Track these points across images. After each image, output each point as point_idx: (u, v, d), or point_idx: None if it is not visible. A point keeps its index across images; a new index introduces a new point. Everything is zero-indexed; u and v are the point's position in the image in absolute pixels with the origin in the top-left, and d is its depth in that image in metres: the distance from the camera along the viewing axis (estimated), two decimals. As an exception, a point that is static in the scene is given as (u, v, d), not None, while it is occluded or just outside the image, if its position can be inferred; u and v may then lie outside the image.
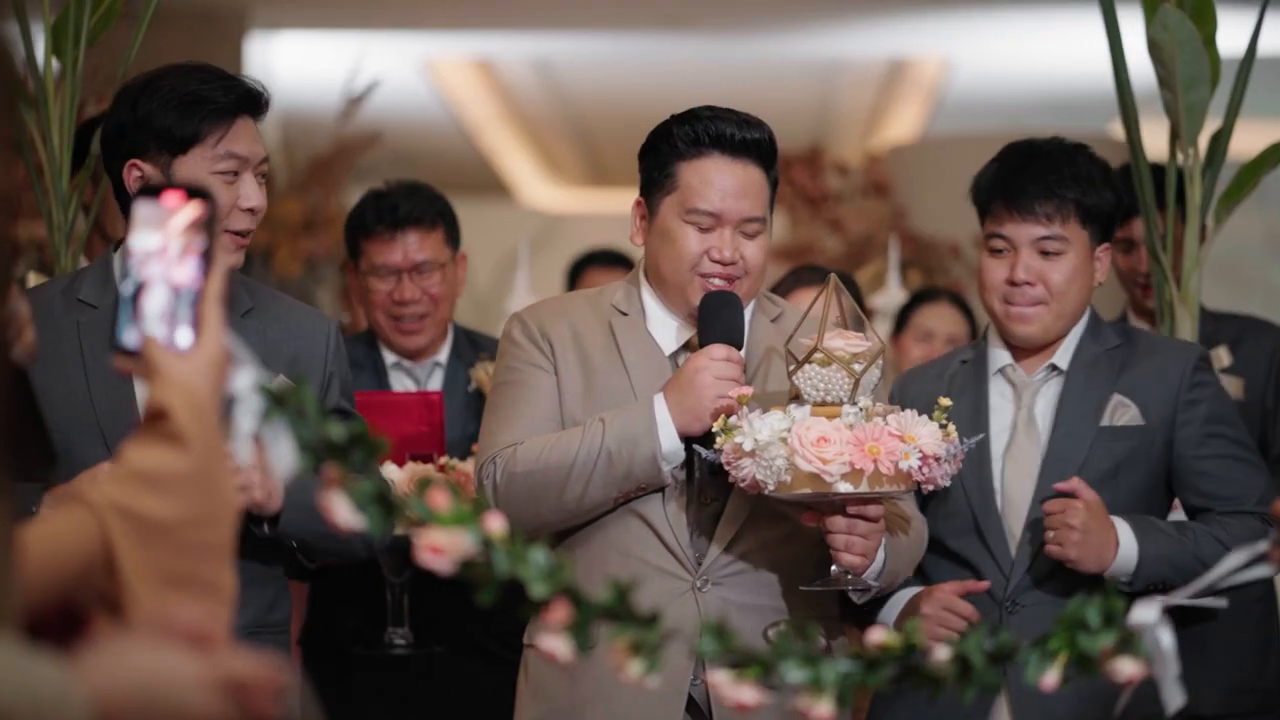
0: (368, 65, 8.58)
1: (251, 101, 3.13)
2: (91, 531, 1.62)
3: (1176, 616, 3.79)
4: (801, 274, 4.48)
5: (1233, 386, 4.04)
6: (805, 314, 3.12)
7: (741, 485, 2.95)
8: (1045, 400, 3.37)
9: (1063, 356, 3.38)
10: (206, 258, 1.72)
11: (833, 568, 3.02)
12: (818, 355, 2.95)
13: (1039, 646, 1.70)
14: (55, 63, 3.71)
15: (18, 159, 3.71)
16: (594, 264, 6.29)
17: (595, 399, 3.14)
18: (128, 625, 1.50)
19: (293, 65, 10.10)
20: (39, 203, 3.76)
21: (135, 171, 3.09)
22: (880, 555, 3.05)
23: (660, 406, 3.05)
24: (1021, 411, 3.36)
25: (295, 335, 3.21)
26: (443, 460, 3.78)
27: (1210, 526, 3.31)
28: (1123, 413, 3.34)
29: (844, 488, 2.88)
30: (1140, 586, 3.26)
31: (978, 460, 3.32)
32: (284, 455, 1.67)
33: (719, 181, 3.12)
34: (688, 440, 3.05)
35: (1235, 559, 1.76)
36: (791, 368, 2.99)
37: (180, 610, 1.49)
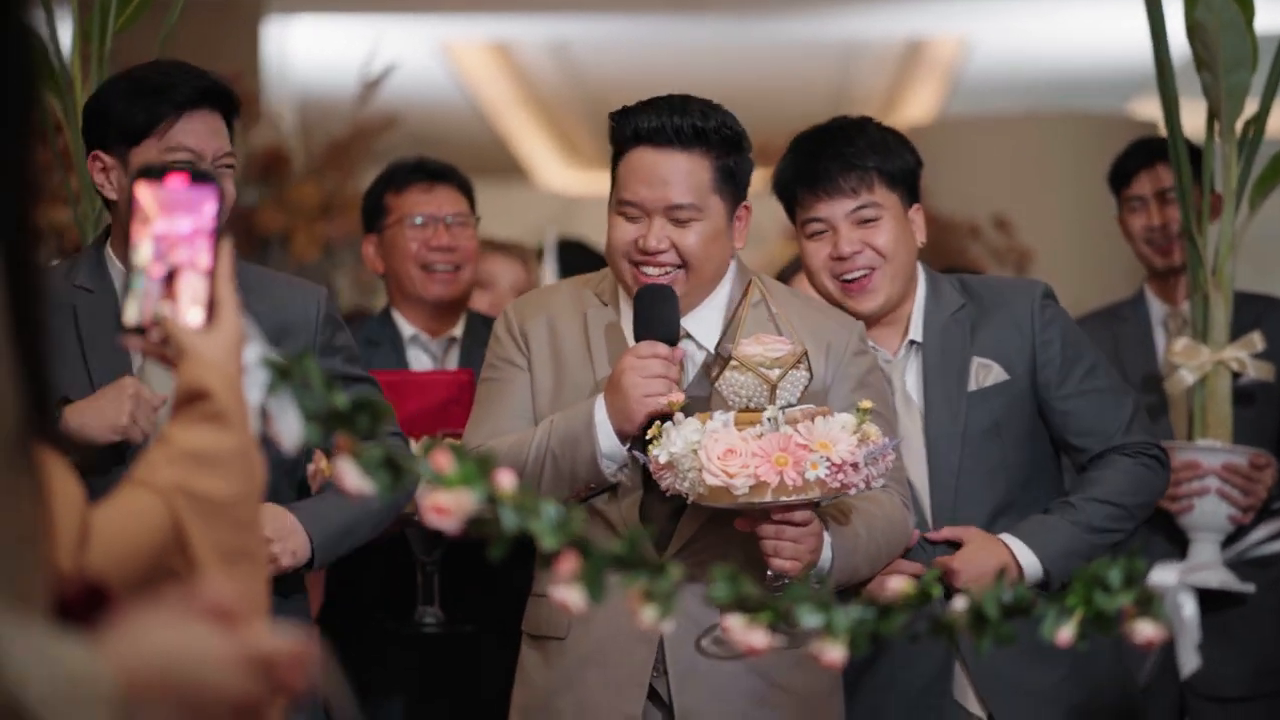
0: (384, 49, 8.58)
1: (212, 95, 3.12)
2: (161, 513, 1.66)
3: (1204, 600, 3.82)
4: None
5: (1265, 371, 4.03)
6: (731, 319, 3.10)
7: (668, 494, 2.95)
8: (913, 377, 3.41)
9: (915, 329, 3.42)
10: (215, 239, 1.74)
11: (767, 573, 2.99)
12: (733, 362, 2.93)
13: (1056, 602, 1.71)
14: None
15: (42, 145, 3.73)
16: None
17: (564, 394, 3.15)
18: (155, 600, 1.51)
19: (309, 49, 10.11)
20: (66, 189, 3.78)
21: (98, 163, 3.11)
22: (826, 554, 3.02)
23: (600, 407, 3.04)
24: (897, 395, 3.39)
25: (281, 308, 3.21)
26: None
27: (1087, 487, 3.36)
28: (985, 373, 3.38)
29: (754, 500, 2.85)
30: (1058, 586, 3.29)
31: None
32: (291, 426, 1.69)
33: (643, 171, 3.11)
34: (631, 441, 3.04)
35: (1259, 533, 1.77)
36: (713, 375, 2.98)
37: (207, 585, 1.50)
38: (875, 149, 3.36)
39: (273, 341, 3.13)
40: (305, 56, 10.12)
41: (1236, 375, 3.98)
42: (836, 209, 3.34)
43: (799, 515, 2.95)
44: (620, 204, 3.13)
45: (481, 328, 4.32)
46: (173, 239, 1.72)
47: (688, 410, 2.97)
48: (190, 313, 1.72)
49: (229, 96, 3.16)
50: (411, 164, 4.38)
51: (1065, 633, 1.71)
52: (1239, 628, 4.01)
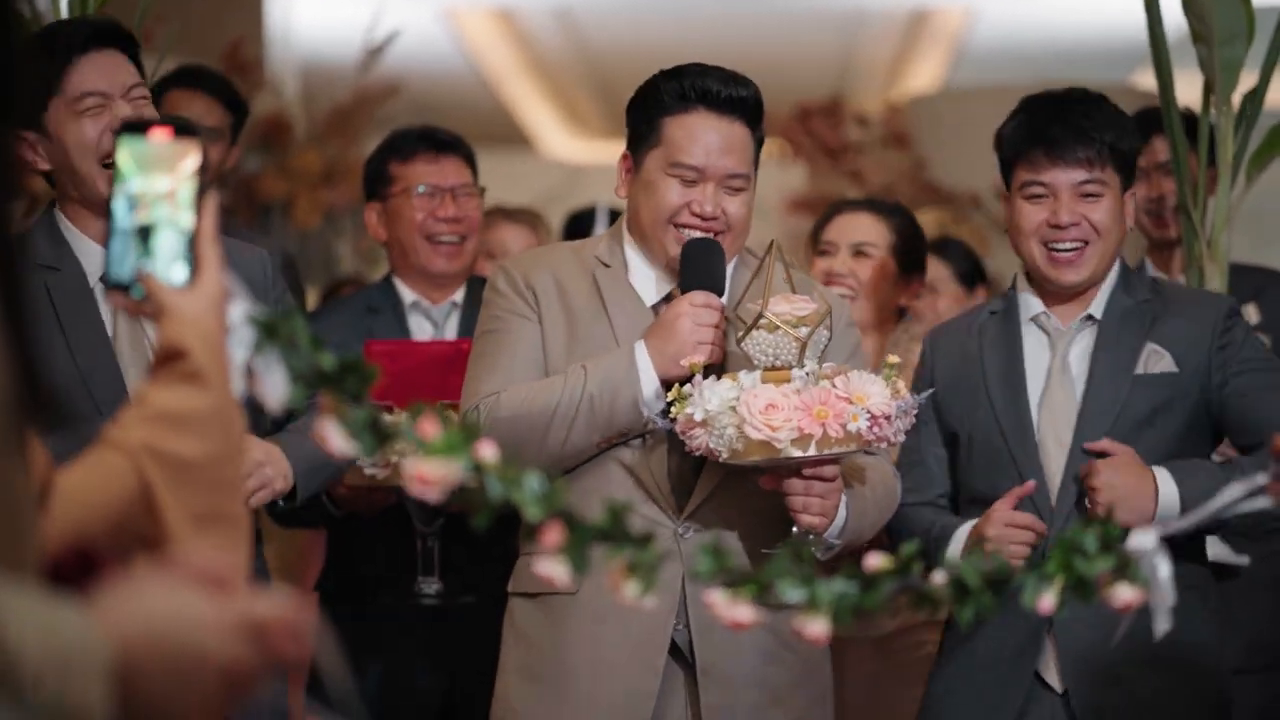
0: (387, 15, 8.56)
1: (101, 35, 3.07)
2: (128, 474, 1.64)
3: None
4: (841, 204, 4.47)
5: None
6: (751, 279, 3.14)
7: (698, 453, 2.98)
8: (1079, 349, 3.41)
9: (1097, 306, 3.42)
10: (199, 196, 1.72)
11: (793, 529, 3.05)
12: (763, 321, 2.97)
13: (1035, 570, 1.72)
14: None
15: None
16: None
17: (578, 348, 3.16)
18: (150, 565, 1.51)
19: (312, 16, 10.08)
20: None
21: (24, 144, 3.04)
22: (841, 513, 3.07)
23: (641, 352, 3.08)
24: (1056, 360, 3.40)
25: (231, 270, 3.21)
26: None
27: (1257, 459, 3.29)
28: (1156, 360, 3.37)
29: (794, 453, 2.90)
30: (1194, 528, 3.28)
31: (1014, 409, 3.37)
32: (277, 385, 1.68)
33: (704, 137, 3.14)
34: (668, 388, 3.07)
35: (1233, 491, 1.78)
36: (739, 335, 3.02)
37: (200, 552, 1.50)
38: (1112, 126, 3.37)
39: None
40: (308, 23, 10.09)
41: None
42: (1063, 177, 3.34)
43: (828, 470, 3.01)
44: (675, 166, 3.15)
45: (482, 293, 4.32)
46: (150, 196, 1.70)
47: (709, 370, 3.02)
48: (174, 270, 1.70)
49: (118, 31, 3.11)
50: (417, 132, 4.37)
51: (1046, 600, 1.71)
52: (1234, 601, 4.01)
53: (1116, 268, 3.45)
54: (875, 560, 1.70)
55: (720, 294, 3.11)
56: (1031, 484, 3.33)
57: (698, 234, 3.14)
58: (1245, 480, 1.82)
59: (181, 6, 8.03)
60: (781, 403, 2.89)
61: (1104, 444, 3.30)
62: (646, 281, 3.22)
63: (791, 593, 1.66)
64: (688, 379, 3.00)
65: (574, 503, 3.06)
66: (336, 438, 1.65)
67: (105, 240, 1.71)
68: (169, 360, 1.67)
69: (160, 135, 1.72)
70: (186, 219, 1.71)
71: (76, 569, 1.51)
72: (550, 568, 1.65)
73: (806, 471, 2.99)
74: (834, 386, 2.92)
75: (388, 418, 1.70)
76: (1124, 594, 1.70)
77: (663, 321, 3.09)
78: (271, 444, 3.14)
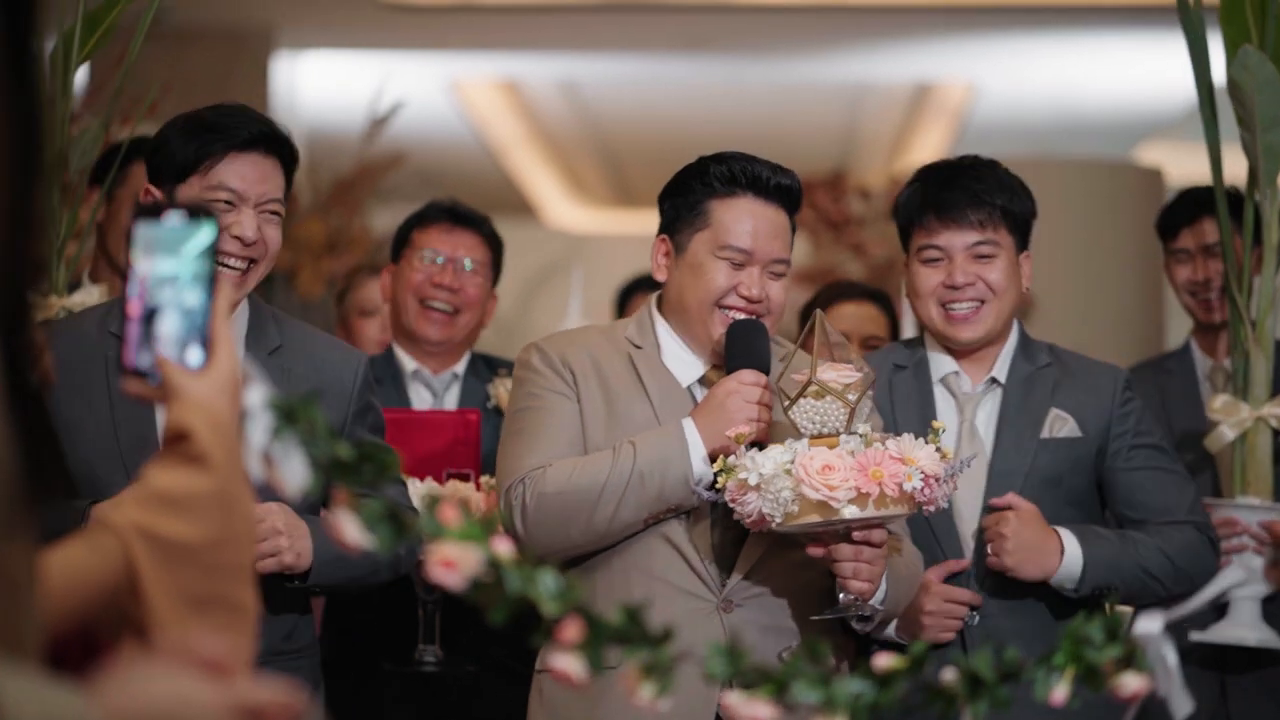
0: (394, 86, 8.62)
1: (266, 140, 3.13)
2: (115, 554, 1.62)
3: (1247, 659, 3.80)
4: (840, 287, 4.64)
5: None
6: (794, 351, 3.19)
7: (746, 522, 3.00)
8: (985, 412, 3.49)
9: (1000, 370, 3.50)
10: (212, 278, 1.72)
11: (841, 595, 3.07)
12: (812, 389, 3.02)
13: (1045, 662, 1.72)
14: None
15: (48, 183, 3.74)
16: (644, 289, 6.29)
17: (618, 426, 3.19)
18: (149, 650, 1.50)
19: (318, 85, 10.15)
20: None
21: (149, 196, 3.13)
22: (883, 583, 3.10)
23: (691, 429, 3.12)
24: (965, 424, 3.47)
25: (321, 369, 3.24)
26: (483, 479, 3.81)
27: (1149, 534, 3.42)
28: (1061, 425, 3.46)
29: (851, 512, 2.94)
30: (1086, 591, 3.36)
31: None
32: (294, 472, 1.67)
33: (753, 222, 3.22)
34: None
35: (1232, 575, 1.78)
36: (786, 404, 3.06)
37: (199, 638, 1.49)
38: (1003, 189, 3.46)
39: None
40: (314, 93, 10.16)
41: (1278, 432, 3.96)
42: (957, 239, 3.43)
43: (877, 535, 3.04)
44: (724, 249, 3.21)
45: (484, 367, 4.33)
46: (156, 280, 1.70)
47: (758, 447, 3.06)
48: (186, 352, 1.70)
49: (285, 143, 3.16)
50: (445, 204, 4.41)
51: (1060, 692, 1.71)
52: None
53: (1015, 332, 3.54)
54: (886, 660, 1.70)
55: (766, 373, 3.16)
56: (966, 562, 3.40)
57: (742, 315, 3.20)
58: (1243, 564, 1.82)
59: (186, 75, 8.09)
60: (837, 464, 2.94)
61: (1009, 498, 3.38)
62: (680, 363, 3.27)
63: (807, 694, 1.66)
64: (729, 452, 3.04)
65: (616, 578, 3.12)
66: (351, 530, 1.64)
67: (120, 327, 1.70)
68: (173, 442, 1.66)
69: (173, 218, 1.72)
70: (193, 300, 1.71)
71: (77, 652, 1.50)
72: (566, 661, 1.64)
73: (856, 537, 3.02)
74: (886, 448, 2.97)
75: (406, 509, 1.69)
76: (1132, 683, 1.70)
77: (713, 399, 3.14)
78: (301, 521, 3.11)
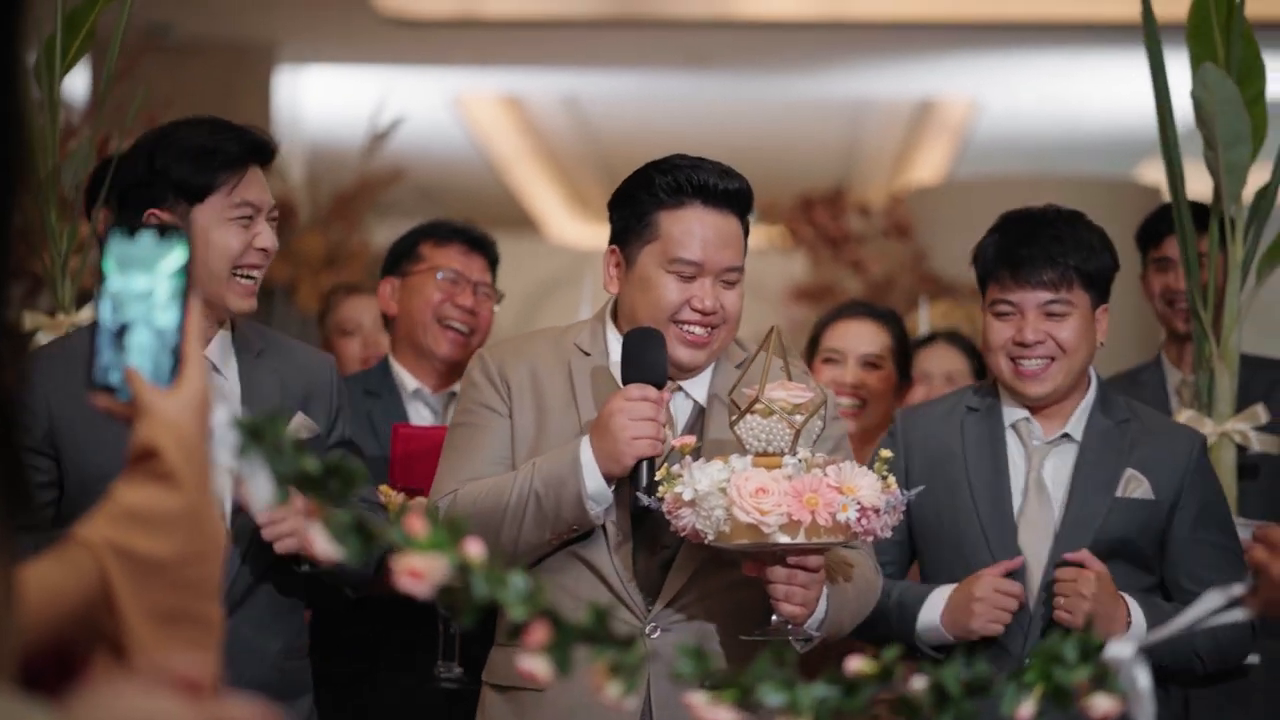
0: (396, 100, 8.63)
1: (260, 150, 3.25)
2: (90, 571, 1.62)
3: (1216, 675, 3.80)
4: (841, 305, 4.63)
5: (1270, 444, 4.01)
6: (747, 364, 3.11)
7: (683, 534, 2.95)
8: (1054, 465, 3.46)
9: (1075, 426, 3.48)
10: (185, 297, 1.72)
11: (773, 617, 3.01)
12: (759, 406, 2.95)
13: (1015, 678, 1.71)
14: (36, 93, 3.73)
15: (34, 198, 3.74)
16: None
17: (546, 442, 3.14)
18: (126, 665, 1.50)
19: (320, 100, 10.17)
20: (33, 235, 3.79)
21: (154, 220, 3.15)
22: (822, 605, 3.04)
23: (586, 448, 3.04)
24: (1032, 474, 3.45)
25: (304, 372, 3.32)
26: None
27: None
28: (1135, 486, 3.43)
29: (782, 539, 2.87)
30: None
31: (999, 522, 3.41)
32: (261, 488, 1.68)
33: (701, 232, 3.12)
34: (631, 484, 3.04)
35: (1211, 601, 1.78)
36: (733, 418, 2.99)
37: (172, 656, 1.49)
38: (1080, 248, 3.42)
39: (302, 403, 3.24)
40: (316, 107, 10.18)
41: (1242, 448, 3.97)
42: (1029, 298, 3.42)
43: (813, 561, 2.97)
44: (674, 262, 3.12)
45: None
46: (127, 296, 1.71)
47: (653, 463, 3.00)
48: (154, 370, 1.70)
49: (272, 152, 3.29)
50: (457, 224, 4.42)
51: (1026, 709, 1.71)
52: (1259, 699, 3.99)
53: (1094, 387, 3.52)
54: (856, 664, 1.69)
55: (660, 385, 3.06)
56: (1020, 560, 3.37)
57: (700, 331, 3.13)
58: (1223, 590, 1.82)
59: (189, 89, 8.10)
60: (772, 487, 2.86)
61: (1083, 555, 3.33)
62: None
63: (772, 696, 1.66)
64: (647, 467, 2.98)
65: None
66: (322, 542, 1.65)
67: (91, 343, 1.71)
68: (141, 460, 1.67)
69: (145, 236, 1.73)
70: (164, 318, 1.72)
71: (51, 671, 1.51)
72: (533, 663, 1.64)
73: (791, 560, 2.96)
74: (825, 475, 2.90)
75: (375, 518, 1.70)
76: (1102, 704, 1.70)
77: (601, 418, 3.05)
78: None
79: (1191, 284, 3.89)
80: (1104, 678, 1.67)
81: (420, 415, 4.28)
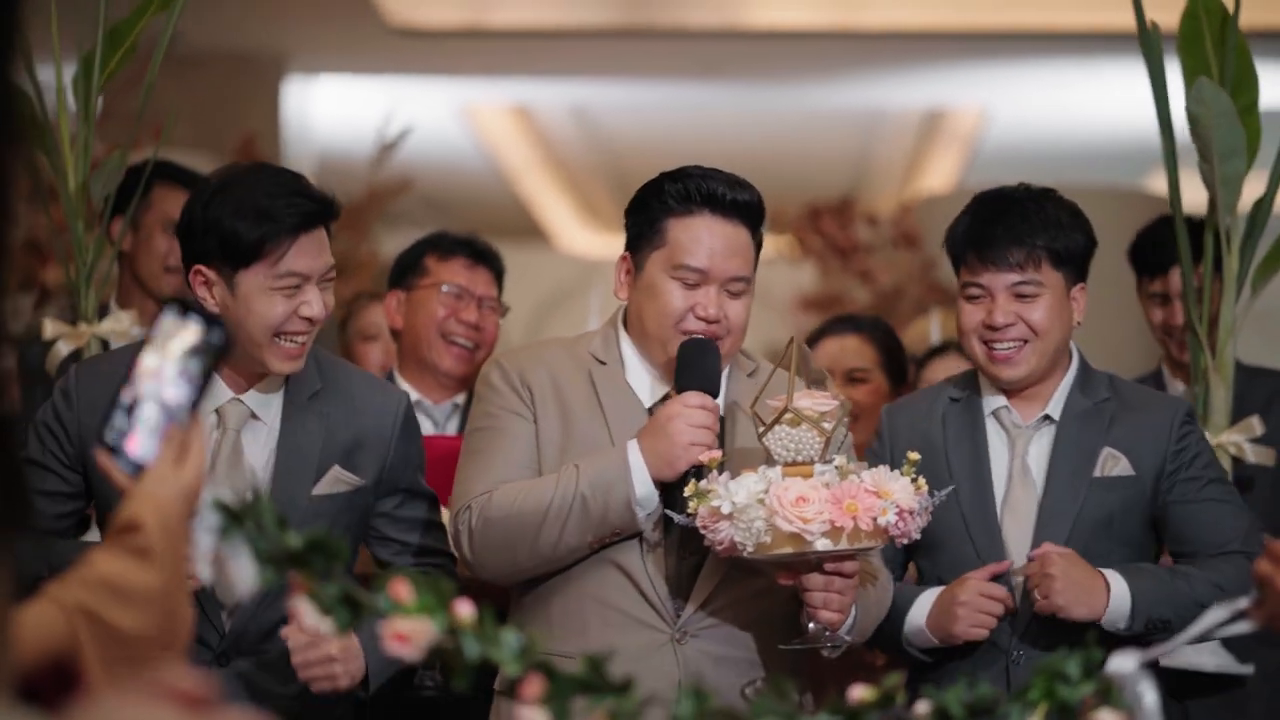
0: (405, 111, 8.63)
1: (317, 217, 3.11)
2: (60, 629, 1.64)
3: (1208, 685, 3.78)
4: (825, 323, 4.59)
5: (1264, 456, 3.99)
6: (770, 375, 3.14)
7: (717, 549, 2.95)
8: (1038, 449, 3.42)
9: (1054, 406, 3.43)
10: (203, 382, 1.75)
11: (810, 625, 3.03)
12: (787, 416, 2.97)
13: (1020, 698, 1.70)
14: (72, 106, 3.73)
15: (40, 206, 3.74)
16: None
17: (573, 447, 3.14)
18: (122, 682, 1.51)
19: (329, 110, 10.18)
20: (56, 246, 3.79)
21: (200, 277, 3.09)
22: (852, 612, 3.06)
23: (634, 452, 3.06)
24: (1016, 460, 3.41)
25: (360, 414, 3.23)
26: None
27: (1202, 569, 3.34)
28: (1113, 464, 3.39)
29: (824, 545, 2.90)
30: (1141, 628, 3.28)
31: (981, 510, 3.38)
32: (244, 572, 1.68)
33: (708, 240, 3.14)
34: (664, 492, 3.05)
35: (1215, 615, 1.76)
36: (761, 430, 3.00)
37: (172, 672, 1.49)
38: (1048, 227, 3.37)
39: (346, 452, 3.18)
40: (324, 117, 10.18)
41: (1238, 460, 3.96)
42: (998, 280, 3.37)
43: (849, 566, 2.99)
44: (679, 268, 3.14)
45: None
46: (154, 370, 1.74)
47: (700, 471, 3.00)
48: (153, 444, 1.74)
49: (335, 212, 3.16)
50: (462, 237, 4.40)
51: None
52: (1256, 708, 3.99)
53: (1075, 366, 3.48)
54: (859, 692, 1.69)
55: (715, 395, 3.10)
56: (1008, 563, 3.34)
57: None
58: (1228, 603, 1.81)
59: (198, 99, 8.11)
60: (812, 495, 2.89)
61: (1047, 548, 3.29)
62: (643, 381, 3.21)
63: None
64: (694, 476, 2.99)
65: (571, 605, 3.10)
66: (309, 615, 1.65)
67: (114, 399, 1.75)
68: (122, 532, 1.69)
69: (192, 319, 1.76)
70: (171, 395, 1.74)
71: (52, 685, 1.50)
72: (531, 716, 1.64)
73: (828, 567, 2.98)
74: (862, 480, 2.92)
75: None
76: (1107, 719, 1.69)
77: (657, 422, 3.07)
78: (350, 640, 3.11)
79: (1188, 297, 3.88)
80: (1109, 693, 1.66)
81: (422, 427, 4.28)
